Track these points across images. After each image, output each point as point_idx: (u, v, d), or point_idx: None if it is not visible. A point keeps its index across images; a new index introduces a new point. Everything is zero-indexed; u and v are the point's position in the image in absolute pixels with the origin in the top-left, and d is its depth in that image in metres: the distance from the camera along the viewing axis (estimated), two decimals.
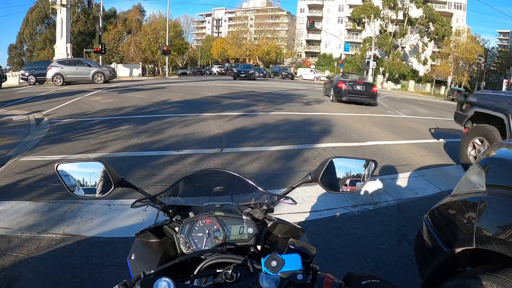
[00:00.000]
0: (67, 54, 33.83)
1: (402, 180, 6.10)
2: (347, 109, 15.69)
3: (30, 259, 3.49)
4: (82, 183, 1.39)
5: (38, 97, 16.90)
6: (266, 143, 8.25)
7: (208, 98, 17.37)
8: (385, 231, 4.26)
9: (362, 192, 5.25)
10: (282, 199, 1.49)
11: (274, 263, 0.95)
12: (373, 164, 1.44)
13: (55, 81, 24.36)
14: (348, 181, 1.44)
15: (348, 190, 1.45)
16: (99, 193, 1.39)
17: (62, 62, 25.84)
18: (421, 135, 10.63)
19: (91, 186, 1.39)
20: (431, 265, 2.21)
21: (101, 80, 25.09)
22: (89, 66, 25.90)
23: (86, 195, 1.41)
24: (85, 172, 1.39)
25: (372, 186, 5.65)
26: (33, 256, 3.55)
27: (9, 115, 11.40)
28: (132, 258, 1.35)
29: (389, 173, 6.37)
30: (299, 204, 4.41)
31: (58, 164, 1.38)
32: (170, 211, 1.48)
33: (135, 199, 1.44)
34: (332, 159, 1.41)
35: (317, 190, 5.15)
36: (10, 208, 4.59)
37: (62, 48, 34.38)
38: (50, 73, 24.61)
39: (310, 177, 1.45)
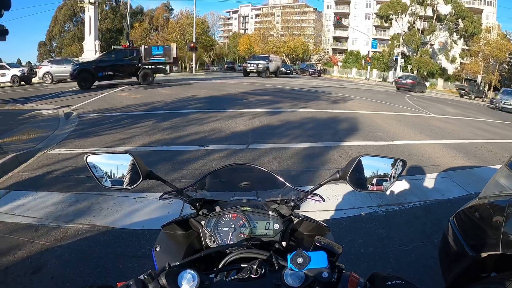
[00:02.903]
0: (96, 51, 34.70)
1: (429, 181, 5.95)
2: (374, 107, 15.44)
3: (56, 247, 3.60)
4: (110, 174, 1.42)
5: (67, 92, 17.43)
6: (291, 140, 8.20)
7: (234, 94, 17.42)
8: (410, 232, 4.17)
9: (388, 192, 5.14)
10: (310, 196, 1.49)
11: (300, 260, 0.95)
12: (402, 164, 1.42)
13: (45, 79, 25.47)
14: (376, 180, 1.42)
15: (375, 189, 1.44)
16: (127, 185, 1.42)
17: (51, 61, 27.37)
18: (449, 135, 10.35)
19: (120, 177, 1.42)
20: (456, 269, 2.16)
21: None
22: (75, 64, 26.37)
23: (114, 186, 1.44)
24: (114, 163, 1.42)
25: (398, 186, 5.53)
26: (59, 245, 3.65)
27: (39, 109, 11.76)
28: (157, 249, 1.37)
29: (416, 173, 6.22)
30: (324, 202, 4.34)
31: (88, 155, 1.42)
32: (197, 204, 1.49)
33: (163, 192, 1.45)
34: (361, 157, 1.40)
35: (343, 188, 5.11)
36: (38, 199, 4.74)
37: (90, 45, 35.31)
38: (40, 71, 25.92)
39: (338, 175, 1.45)
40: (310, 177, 5.83)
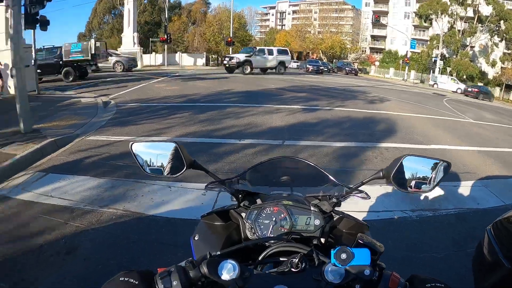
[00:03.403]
0: (134, 43, 35.49)
1: (465, 188, 5.69)
2: (411, 109, 14.99)
3: (90, 230, 3.69)
4: (154, 162, 1.45)
5: (105, 82, 17.89)
6: (327, 138, 8.07)
7: (270, 90, 17.40)
8: (443, 239, 4.02)
9: (422, 197, 5.03)
10: (354, 193, 1.47)
11: (343, 256, 0.95)
12: (447, 165, 1.37)
13: None
14: (419, 181, 1.38)
15: (418, 190, 1.39)
16: (171, 173, 1.43)
17: None
18: (487, 142, 9.80)
19: (163, 166, 1.44)
20: (490, 280, 2.09)
21: (120, 69, 26.37)
22: (110, 55, 27.08)
23: (157, 173, 1.46)
24: (158, 152, 1.45)
25: (433, 191, 5.28)
26: (93, 227, 3.74)
27: (78, 97, 12.15)
28: (196, 238, 1.40)
29: (452, 179, 5.94)
30: (357, 203, 4.30)
31: (133, 143, 1.45)
32: (240, 196, 1.50)
33: (199, 182, 1.52)
34: (406, 157, 1.35)
35: (377, 189, 5.01)
36: (74, 182, 4.88)
37: (129, 37, 36.11)
38: None
39: (381, 174, 1.41)
40: (345, 177, 5.70)
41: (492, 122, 14.73)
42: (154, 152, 1.45)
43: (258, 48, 30.75)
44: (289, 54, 31.32)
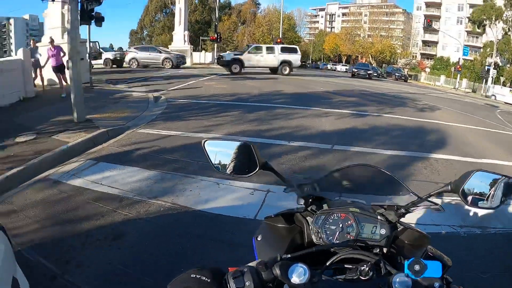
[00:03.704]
0: (184, 41, 36.36)
1: None
2: (462, 119, 14.24)
3: (138, 219, 3.74)
4: (226, 161, 1.44)
5: (155, 78, 18.41)
6: (377, 146, 7.80)
7: (319, 93, 17.17)
8: (490, 259, 3.78)
9: (471, 213, 4.77)
10: (426, 204, 1.43)
11: (417, 267, 0.96)
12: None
13: (131, 64, 26.80)
14: (488, 198, 1.32)
15: (486, 207, 1.33)
16: (242, 172, 1.42)
17: (137, 48, 28.87)
18: None
19: (235, 164, 1.44)
20: None
21: (169, 65, 26.91)
22: (159, 52, 27.88)
23: (227, 172, 1.45)
24: (231, 151, 1.44)
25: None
26: (140, 217, 3.80)
27: (130, 91, 12.52)
28: (259, 239, 1.40)
29: None
30: (410, 214, 4.17)
31: (206, 140, 1.44)
32: (310, 200, 1.50)
33: (285, 187, 1.49)
34: (476, 172, 1.31)
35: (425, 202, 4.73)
36: (125, 172, 5.00)
37: (180, 35, 37.07)
38: (127, 57, 27.31)
39: (450, 187, 1.37)
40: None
41: None
42: (226, 150, 1.45)
43: (253, 45, 28.54)
44: (298, 53, 27.73)
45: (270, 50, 26.52)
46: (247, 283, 0.94)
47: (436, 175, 6.13)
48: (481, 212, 4.86)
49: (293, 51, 27.36)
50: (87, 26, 13.03)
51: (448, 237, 4.13)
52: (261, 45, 28.82)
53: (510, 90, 35.81)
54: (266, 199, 4.39)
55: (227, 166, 1.44)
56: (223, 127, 7.99)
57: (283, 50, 26.81)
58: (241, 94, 13.95)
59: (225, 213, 3.99)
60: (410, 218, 4.12)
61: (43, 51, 12.02)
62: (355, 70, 37.23)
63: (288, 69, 26.26)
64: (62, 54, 11.30)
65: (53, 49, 11.36)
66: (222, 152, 1.45)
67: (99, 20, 13.42)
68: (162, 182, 4.75)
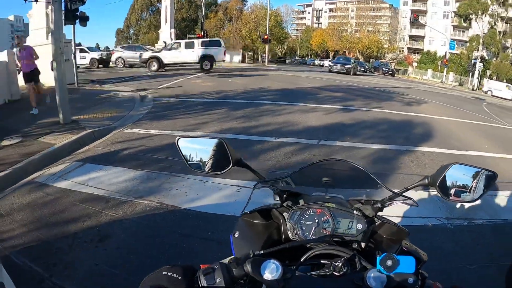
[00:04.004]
0: (171, 39, 36.15)
1: (502, 198, 5.40)
2: (449, 113, 14.38)
3: (124, 220, 3.75)
4: (200, 158, 1.46)
5: (142, 77, 18.33)
6: (363, 140, 7.88)
7: (306, 88, 17.22)
8: (476, 251, 3.85)
9: (458, 205, 4.84)
10: (402, 199, 1.44)
11: (389, 263, 0.94)
12: (493, 177, 1.35)
13: (118, 63, 26.63)
14: (464, 191, 1.36)
15: (463, 200, 1.38)
16: (216, 170, 1.45)
17: (123, 47, 28.84)
18: None
19: (209, 162, 1.45)
20: None
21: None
22: (146, 51, 26.88)
23: (202, 170, 1.46)
24: (204, 148, 1.46)
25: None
26: (127, 218, 3.81)
27: (116, 91, 12.46)
28: (236, 235, 1.38)
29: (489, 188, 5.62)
30: (390, 208, 4.19)
31: (179, 138, 1.46)
32: (284, 196, 1.49)
33: (232, 179, 1.49)
34: (453, 166, 1.34)
35: (411, 194, 4.79)
36: (111, 173, 5.00)
37: (166, 33, 36.91)
38: (113, 56, 27.24)
39: (427, 181, 1.39)
40: (381, 181, 5.53)
41: None
42: (200, 148, 1.47)
43: (172, 41, 27.71)
44: (222, 46, 25.62)
45: (188, 45, 25.13)
46: (217, 280, 0.94)
47: (423, 168, 6.21)
48: (468, 203, 4.96)
49: (216, 44, 25.68)
50: (72, 26, 12.94)
51: (435, 230, 4.19)
52: (180, 40, 27.41)
53: (507, 86, 35.17)
54: (252, 196, 4.38)
55: (201, 164, 1.45)
56: (210, 125, 8.00)
57: (204, 44, 25.22)
58: (228, 91, 13.95)
59: (212, 211, 4.01)
60: (396, 212, 4.23)
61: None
62: (332, 65, 33.97)
63: (209, 64, 24.42)
64: (34, 56, 8.98)
65: (23, 51, 8.91)
66: (195, 149, 1.46)
67: (84, 19, 13.29)
68: (148, 181, 4.76)
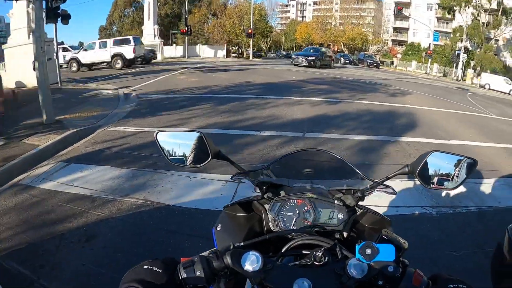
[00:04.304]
0: (154, 35, 35.88)
1: (486, 186, 5.50)
2: (434, 103, 14.57)
3: (110, 219, 3.74)
4: (179, 151, 1.45)
5: (126, 74, 18.16)
6: (348, 131, 7.95)
7: (291, 82, 17.27)
8: (462, 238, 3.91)
9: (443, 193, 4.92)
10: (381, 188, 1.44)
11: (368, 251, 0.95)
12: (473, 164, 1.34)
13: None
14: (445, 178, 1.37)
15: (444, 187, 1.38)
16: (195, 163, 1.44)
17: None
18: None
19: (188, 155, 1.44)
20: (509, 282, 1.99)
21: (140, 61, 25.87)
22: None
23: (182, 163, 1.46)
24: (183, 141, 1.45)
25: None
26: (113, 217, 3.80)
27: (100, 89, 12.33)
28: (218, 228, 1.38)
29: (474, 176, 5.68)
30: (378, 198, 4.26)
31: (158, 132, 1.45)
32: (264, 187, 1.47)
33: (218, 173, 1.53)
34: (432, 153, 1.33)
35: (397, 184, 4.83)
36: (96, 172, 4.97)
37: (149, 30, 36.56)
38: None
39: (407, 169, 1.39)
40: (367, 171, 5.60)
41: None
42: (179, 141, 1.46)
43: (89, 42, 26.25)
44: (131, 44, 24.86)
45: (102, 44, 25.04)
46: (197, 273, 0.95)
47: (408, 158, 6.27)
48: (453, 192, 5.02)
49: (125, 42, 25.22)
50: (54, 24, 12.74)
51: (420, 219, 4.25)
52: (95, 41, 26.45)
53: (505, 79, 34.29)
54: (238, 190, 4.43)
55: (179, 157, 1.45)
56: (195, 121, 8.00)
57: (115, 43, 25.17)
58: (213, 86, 13.91)
59: (198, 206, 4.03)
60: (381, 202, 4.28)
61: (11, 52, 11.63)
62: (294, 57, 30.71)
63: (120, 62, 24.16)
64: None
65: None
66: (174, 143, 1.46)
67: (65, 17, 13.08)
68: (133, 179, 4.75)
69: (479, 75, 44.77)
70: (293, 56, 31.55)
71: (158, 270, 0.95)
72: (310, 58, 28.54)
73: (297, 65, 28.39)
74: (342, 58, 48.41)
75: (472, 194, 5.09)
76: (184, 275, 0.95)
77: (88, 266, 2.98)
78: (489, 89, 32.44)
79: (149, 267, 0.95)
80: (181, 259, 1.00)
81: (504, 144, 8.43)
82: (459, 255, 3.51)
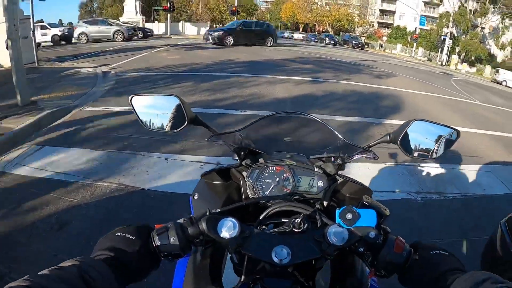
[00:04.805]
0: (136, 12, 35.00)
1: (471, 173, 5.51)
2: (418, 86, 14.59)
3: (83, 205, 3.60)
4: (155, 117, 1.40)
5: (107, 52, 17.64)
6: (332, 112, 7.86)
7: (275, 60, 17.05)
8: (447, 225, 3.89)
9: (428, 178, 4.95)
10: (361, 153, 1.42)
11: (349, 216, 0.93)
12: (456, 134, 1.33)
13: (80, 39, 25.67)
14: (427, 147, 1.35)
15: (426, 156, 1.35)
16: (172, 128, 1.39)
17: (86, 22, 27.60)
18: (496, 127, 9.25)
19: (165, 120, 1.39)
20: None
21: (120, 38, 25.94)
22: (110, 25, 26.90)
23: (158, 129, 1.40)
24: (160, 106, 1.39)
25: (439, 174, 5.24)
26: (86, 202, 3.65)
27: (78, 68, 11.95)
28: (195, 197, 1.38)
29: (458, 162, 5.78)
30: (360, 181, 4.19)
31: (133, 96, 1.38)
32: (242, 153, 1.44)
33: (211, 135, 1.40)
34: (414, 121, 1.32)
35: (381, 168, 4.94)
36: (70, 155, 4.78)
37: (131, 6, 35.70)
38: (76, 32, 26.12)
39: (389, 138, 1.39)
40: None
41: (501, 106, 14.21)
42: (155, 105, 1.39)
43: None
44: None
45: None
46: (171, 239, 0.92)
47: None
48: (438, 177, 5.10)
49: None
50: (30, 1, 12.21)
51: (405, 204, 4.22)
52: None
53: None
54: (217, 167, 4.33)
55: (155, 122, 1.38)
56: None
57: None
58: (194, 64, 13.62)
59: (175, 190, 3.92)
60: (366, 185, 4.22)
61: None
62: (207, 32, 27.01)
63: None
64: None
65: None
66: (151, 107, 1.39)
67: None
68: (108, 162, 4.58)
69: (463, 61, 45.15)
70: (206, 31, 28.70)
71: (131, 237, 0.91)
72: (216, 34, 24.02)
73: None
74: (327, 38, 48.20)
75: (457, 181, 5.12)
76: (158, 242, 0.92)
77: (60, 256, 2.81)
78: (506, 86, 29.21)
79: (122, 234, 0.92)
80: (156, 225, 0.97)
81: (488, 131, 8.45)
82: (444, 243, 3.45)
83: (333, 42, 45.86)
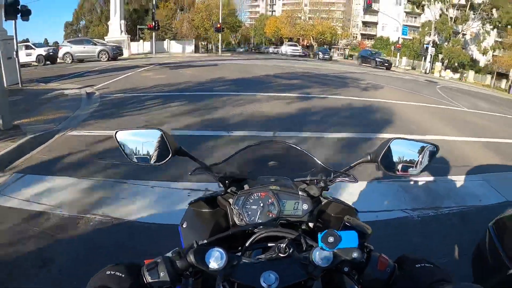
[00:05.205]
0: (121, 31, 34.90)
1: (466, 183, 5.50)
2: (405, 96, 14.84)
3: (66, 239, 3.43)
4: (140, 150, 1.43)
5: (91, 72, 17.51)
6: (322, 130, 7.81)
7: (262, 77, 17.09)
8: (445, 243, 3.78)
9: (422, 194, 4.89)
10: (341, 177, 1.45)
11: (331, 239, 0.95)
12: (435, 149, 1.37)
13: (65, 59, 25.73)
14: (407, 165, 1.38)
15: (406, 174, 1.39)
16: (157, 161, 1.41)
17: (71, 41, 27.72)
18: (485, 133, 9.44)
19: (149, 153, 1.43)
20: (491, 282, 1.98)
21: (106, 58, 25.91)
22: (95, 44, 26.95)
23: (144, 162, 1.44)
24: (143, 140, 1.43)
25: (434, 187, 5.19)
26: (69, 236, 3.48)
27: (62, 89, 11.78)
28: (184, 226, 1.40)
29: (452, 173, 5.77)
30: (355, 201, 4.18)
31: (117, 131, 1.42)
32: (226, 182, 1.48)
33: (194, 168, 1.43)
34: (393, 140, 1.36)
35: (374, 187, 4.89)
36: (52, 185, 4.60)
37: (116, 25, 35.50)
38: (61, 52, 26.21)
39: (369, 157, 1.42)
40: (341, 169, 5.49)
41: (488, 111, 14.49)
42: (140, 140, 1.43)
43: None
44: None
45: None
46: (161, 274, 0.94)
47: None
48: (433, 191, 5.05)
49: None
50: (14, 21, 12.01)
51: (401, 223, 4.12)
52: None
53: None
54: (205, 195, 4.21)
55: (140, 156, 1.42)
56: (162, 122, 7.68)
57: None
58: (181, 83, 13.57)
59: (161, 221, 3.77)
60: (359, 206, 4.09)
61: None
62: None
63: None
64: None
65: None
66: (135, 141, 1.43)
67: (26, 13, 12.38)
68: (92, 191, 4.42)
69: (446, 68, 45.98)
70: None
71: (121, 275, 0.93)
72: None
73: None
74: (320, 53, 47.84)
75: (452, 193, 5.08)
76: (149, 278, 0.95)
77: None
78: None
79: (112, 272, 0.94)
80: (145, 261, 1.00)
81: (478, 138, 8.55)
82: (444, 262, 3.33)
83: (327, 56, 45.82)
